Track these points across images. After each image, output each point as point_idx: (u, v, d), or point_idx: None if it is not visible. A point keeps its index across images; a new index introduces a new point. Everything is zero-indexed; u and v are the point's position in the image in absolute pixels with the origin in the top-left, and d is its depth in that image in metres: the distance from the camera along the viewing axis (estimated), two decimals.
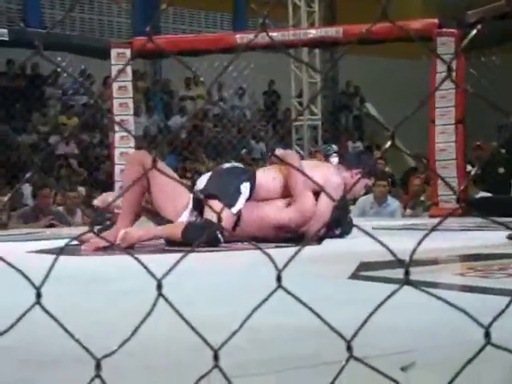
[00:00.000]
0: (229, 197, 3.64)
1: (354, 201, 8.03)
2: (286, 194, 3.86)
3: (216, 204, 3.53)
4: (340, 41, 7.53)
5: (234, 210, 3.65)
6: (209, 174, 3.94)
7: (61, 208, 7.52)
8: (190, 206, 3.70)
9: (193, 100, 14.63)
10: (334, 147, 4.34)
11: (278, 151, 4.16)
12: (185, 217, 3.66)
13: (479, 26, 5.36)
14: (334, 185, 3.79)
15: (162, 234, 3.65)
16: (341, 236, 3.94)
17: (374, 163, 4.31)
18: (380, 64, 15.32)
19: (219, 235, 3.50)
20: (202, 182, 3.84)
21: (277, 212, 3.81)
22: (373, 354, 1.02)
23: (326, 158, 4.22)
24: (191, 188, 4.04)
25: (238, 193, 3.71)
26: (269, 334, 1.24)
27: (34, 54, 0.73)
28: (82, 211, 7.53)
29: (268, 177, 3.88)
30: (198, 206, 3.69)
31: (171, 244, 3.62)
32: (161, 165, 3.65)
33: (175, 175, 4.01)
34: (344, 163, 4.12)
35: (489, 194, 7.75)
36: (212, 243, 3.44)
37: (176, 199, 3.69)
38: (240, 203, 3.68)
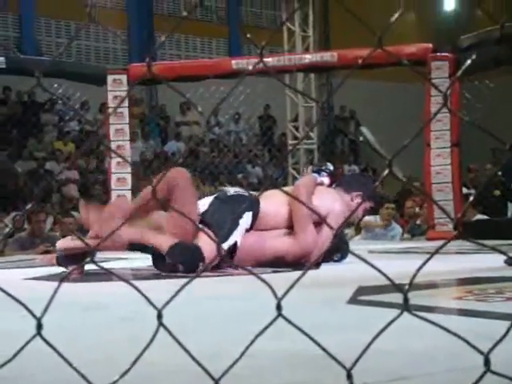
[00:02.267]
0: (223, 230, 3.61)
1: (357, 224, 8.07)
2: (291, 223, 3.84)
3: (208, 235, 3.51)
4: (335, 65, 7.59)
5: (226, 245, 3.62)
6: (211, 197, 3.90)
7: (57, 234, 7.50)
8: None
9: (188, 125, 14.68)
10: (330, 166, 4.23)
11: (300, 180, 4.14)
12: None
13: (474, 56, 5.40)
14: (338, 213, 3.78)
15: (152, 241, 3.62)
16: (339, 261, 3.94)
17: (375, 186, 4.26)
18: (374, 87, 15.41)
19: (201, 266, 3.48)
20: (203, 205, 3.80)
21: (275, 242, 3.78)
22: (372, 380, 1.02)
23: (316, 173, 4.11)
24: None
25: (235, 225, 3.68)
26: (268, 360, 1.24)
27: (36, 85, 0.74)
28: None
29: (273, 205, 3.83)
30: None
31: (156, 262, 3.62)
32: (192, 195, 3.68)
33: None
34: (343, 186, 4.07)
35: (485, 217, 7.77)
36: (191, 270, 3.44)
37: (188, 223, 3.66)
38: (234, 237, 3.66)
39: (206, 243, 3.51)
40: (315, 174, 4.06)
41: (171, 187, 3.55)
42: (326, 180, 4.05)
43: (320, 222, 3.73)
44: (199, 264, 3.49)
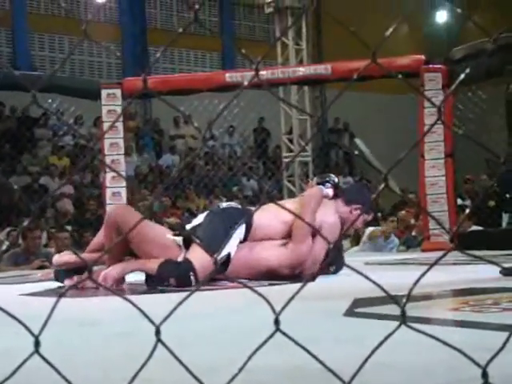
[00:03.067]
0: (215, 243, 3.60)
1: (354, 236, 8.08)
2: (287, 233, 3.85)
3: (198, 249, 3.52)
4: (329, 78, 7.62)
5: (219, 258, 3.61)
6: (203, 214, 3.92)
7: (52, 249, 7.48)
8: (183, 250, 3.69)
9: (182, 138, 14.70)
10: (334, 178, 4.21)
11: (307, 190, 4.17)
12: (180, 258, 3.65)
13: (468, 69, 5.43)
14: (331, 225, 3.79)
15: (142, 267, 3.64)
16: (334, 273, 3.94)
17: (374, 199, 4.25)
18: (368, 99, 15.46)
19: (192, 277, 3.48)
20: (198, 220, 3.84)
21: (268, 253, 3.78)
22: None
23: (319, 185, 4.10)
24: (180, 227, 4.05)
25: (228, 237, 3.67)
26: (266, 375, 1.24)
27: (32, 103, 0.74)
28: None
29: (266, 217, 3.83)
30: (187, 244, 3.70)
31: (149, 281, 3.63)
32: (144, 223, 3.68)
33: (160, 228, 3.99)
34: (343, 198, 4.06)
35: (480, 228, 7.78)
36: (183, 283, 3.44)
37: (167, 250, 3.68)
38: (228, 249, 3.66)
39: (196, 256, 3.52)
40: (321, 186, 4.07)
41: (118, 228, 3.62)
42: (331, 192, 4.04)
43: (315, 233, 3.74)
44: (190, 275, 3.49)
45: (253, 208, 4.08)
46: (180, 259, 3.60)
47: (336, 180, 4.17)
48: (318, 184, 4.08)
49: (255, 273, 3.73)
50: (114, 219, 3.70)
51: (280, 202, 3.94)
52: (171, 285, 3.50)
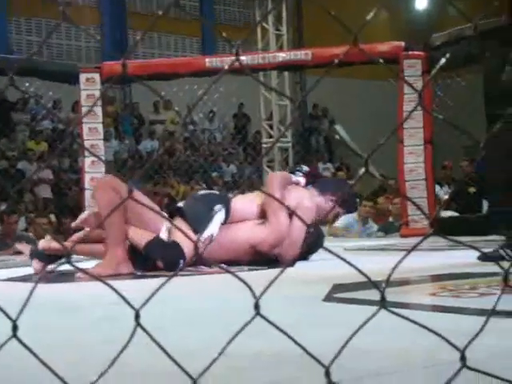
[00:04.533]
0: (198, 224, 3.64)
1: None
2: (262, 215, 3.89)
3: (184, 230, 3.54)
4: (309, 64, 7.61)
5: (202, 238, 3.64)
6: (184, 201, 4.02)
7: (30, 234, 7.43)
8: (166, 222, 3.70)
9: (162, 124, 14.63)
10: (305, 168, 4.31)
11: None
12: (162, 232, 3.66)
13: (448, 55, 5.45)
14: (307, 208, 3.82)
15: (132, 236, 3.62)
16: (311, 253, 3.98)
17: (350, 193, 4.29)
18: (347, 85, 15.48)
19: (181, 263, 3.50)
20: (179, 205, 3.92)
21: (250, 231, 3.84)
22: (349, 377, 1.03)
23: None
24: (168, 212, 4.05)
25: (210, 218, 3.71)
26: (246, 359, 1.24)
27: (7, 86, 0.73)
28: (52, 237, 7.44)
29: (244, 200, 3.93)
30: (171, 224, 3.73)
31: (137, 262, 3.62)
32: (136, 193, 3.64)
33: (150, 201, 4.00)
34: (318, 187, 4.12)
35: (456, 214, 7.84)
36: (171, 267, 3.46)
37: (153, 223, 3.67)
38: (210, 230, 3.68)
39: (183, 239, 3.52)
40: (290, 174, 4.15)
41: (115, 191, 3.54)
42: (302, 180, 4.12)
43: (291, 214, 3.78)
44: (180, 261, 3.50)
45: (230, 195, 4.14)
46: (163, 235, 3.61)
47: (307, 169, 4.25)
48: (290, 173, 4.19)
49: (237, 251, 3.76)
50: (109, 185, 3.62)
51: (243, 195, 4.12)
52: (159, 268, 3.51)
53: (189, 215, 3.70)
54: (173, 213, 3.85)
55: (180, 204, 3.95)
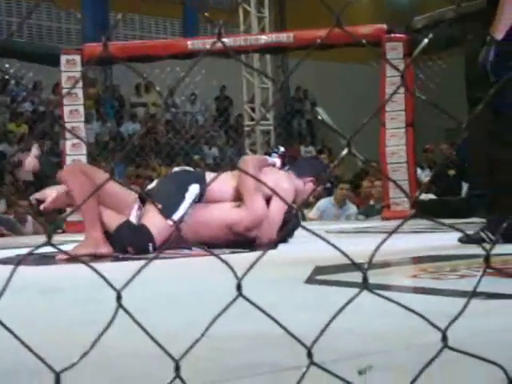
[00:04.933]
0: (169, 205, 3.61)
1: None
2: (238, 197, 3.88)
3: (153, 213, 3.53)
4: (291, 46, 7.59)
5: (171, 221, 3.62)
6: (158, 179, 3.99)
7: (11, 217, 7.39)
8: (137, 204, 3.69)
9: (144, 106, 14.55)
10: (281, 148, 4.31)
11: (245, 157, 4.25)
12: (132, 215, 3.65)
13: (430, 35, 5.46)
14: (285, 190, 3.81)
15: (105, 220, 3.61)
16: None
17: (327, 172, 4.34)
18: (329, 68, 15.46)
19: (150, 247, 3.51)
20: (151, 185, 3.91)
21: (227, 211, 3.82)
22: (331, 358, 1.03)
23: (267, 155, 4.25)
24: (139, 189, 4.05)
25: (181, 198, 3.69)
26: (228, 341, 1.25)
27: None
28: (34, 220, 7.41)
29: (219, 179, 3.87)
30: (142, 206, 3.71)
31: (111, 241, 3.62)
32: (105, 175, 3.62)
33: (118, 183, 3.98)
34: (295, 170, 4.12)
35: (435, 197, 7.90)
36: (141, 251, 3.46)
37: (123, 203, 3.66)
38: (181, 211, 3.66)
39: (152, 222, 3.52)
40: (266, 156, 4.15)
41: (87, 176, 3.53)
42: (278, 161, 4.12)
43: (268, 198, 3.78)
44: (149, 246, 3.50)
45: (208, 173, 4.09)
46: (133, 218, 3.61)
47: (282, 150, 4.24)
48: (265, 154, 4.21)
49: (214, 231, 3.74)
50: (79, 169, 3.63)
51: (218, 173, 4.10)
52: (129, 252, 3.51)
53: (158, 198, 3.65)
54: (146, 194, 3.84)
55: (152, 184, 3.92)
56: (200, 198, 3.80)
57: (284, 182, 3.90)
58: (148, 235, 3.52)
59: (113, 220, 3.59)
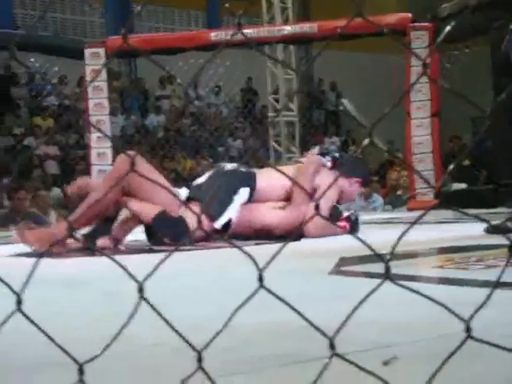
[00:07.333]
0: (217, 206, 3.65)
1: None
2: (285, 196, 3.89)
3: (196, 209, 3.53)
4: (315, 37, 7.56)
5: (217, 224, 3.65)
6: (209, 173, 3.94)
7: (35, 210, 7.45)
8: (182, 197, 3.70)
9: (168, 99, 14.59)
10: (336, 153, 4.35)
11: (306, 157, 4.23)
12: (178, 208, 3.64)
13: (453, 23, 5.40)
14: (327, 195, 3.85)
15: (139, 209, 3.61)
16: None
17: (369, 172, 4.43)
18: (354, 59, 15.38)
19: (184, 239, 3.52)
20: (201, 179, 3.88)
21: (267, 214, 3.84)
22: (354, 349, 1.03)
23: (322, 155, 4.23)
24: (185, 184, 4.01)
25: (230, 201, 3.71)
26: (251, 332, 1.25)
27: (12, 59, 0.72)
28: (56, 212, 7.47)
29: (267, 179, 3.88)
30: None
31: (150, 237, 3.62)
32: (149, 168, 3.64)
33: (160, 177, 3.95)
34: (343, 170, 4.15)
35: (462, 185, 7.83)
36: (177, 242, 3.47)
37: (165, 200, 3.65)
38: (229, 213, 3.69)
39: (193, 216, 3.52)
40: (320, 156, 4.13)
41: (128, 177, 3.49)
42: (329, 164, 4.14)
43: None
44: (183, 236, 3.50)
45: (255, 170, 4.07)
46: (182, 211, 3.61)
47: (337, 155, 4.25)
48: (319, 154, 4.19)
49: (250, 231, 3.77)
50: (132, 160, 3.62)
51: (278, 168, 4.02)
52: (166, 243, 3.54)
53: (205, 196, 3.67)
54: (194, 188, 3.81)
55: (202, 179, 3.87)
56: (249, 199, 3.82)
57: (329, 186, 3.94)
58: (184, 227, 3.52)
59: (149, 210, 3.58)
